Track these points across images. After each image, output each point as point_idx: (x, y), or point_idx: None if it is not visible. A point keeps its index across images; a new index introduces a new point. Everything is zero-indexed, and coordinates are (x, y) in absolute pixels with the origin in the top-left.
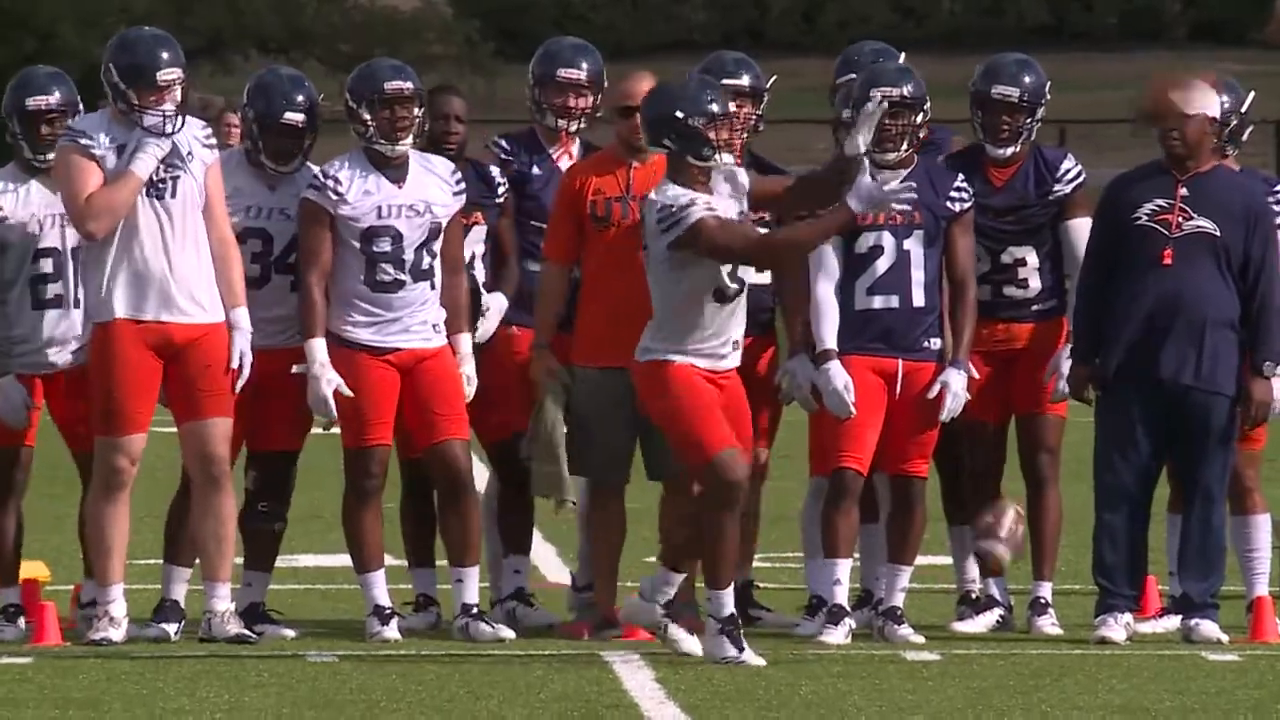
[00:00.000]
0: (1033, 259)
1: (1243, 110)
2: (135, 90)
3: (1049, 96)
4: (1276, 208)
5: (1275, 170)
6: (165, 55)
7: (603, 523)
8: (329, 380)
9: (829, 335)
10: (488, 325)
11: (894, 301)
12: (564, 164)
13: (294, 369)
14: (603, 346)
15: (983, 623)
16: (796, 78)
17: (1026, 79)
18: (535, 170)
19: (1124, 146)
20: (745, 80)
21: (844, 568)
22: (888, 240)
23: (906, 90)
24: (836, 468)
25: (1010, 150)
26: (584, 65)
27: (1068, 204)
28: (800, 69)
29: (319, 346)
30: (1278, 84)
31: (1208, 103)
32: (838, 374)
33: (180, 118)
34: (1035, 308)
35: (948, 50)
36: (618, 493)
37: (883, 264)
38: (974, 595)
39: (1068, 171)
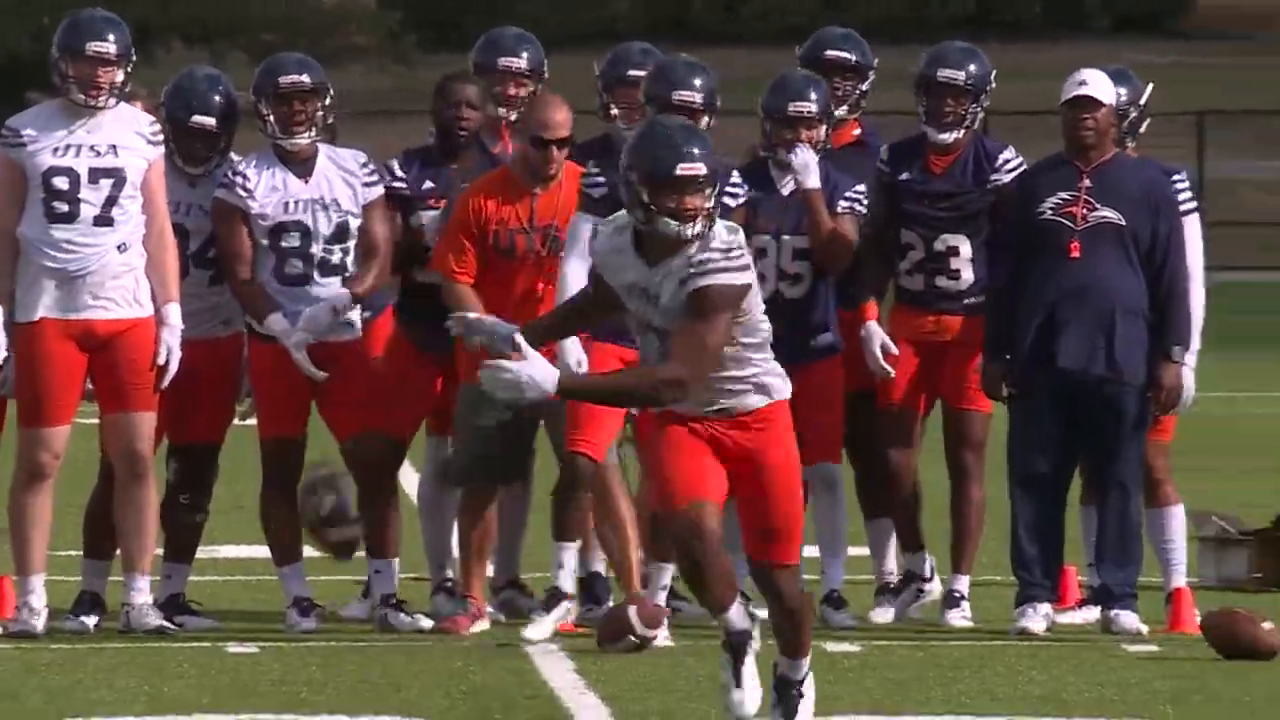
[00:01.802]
0: (966, 249)
1: (1141, 102)
2: (67, 61)
3: (993, 85)
4: (1179, 198)
5: (1196, 161)
6: (101, 31)
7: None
8: (300, 339)
9: None
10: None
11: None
12: (502, 155)
13: (239, 413)
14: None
15: (902, 603)
16: (721, 68)
17: (971, 65)
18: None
19: (1050, 136)
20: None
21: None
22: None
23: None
24: (570, 452)
25: (952, 135)
26: (525, 54)
27: (1005, 194)
28: (726, 59)
29: (278, 320)
30: (1199, 75)
31: (1114, 92)
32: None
33: (113, 100)
34: (966, 300)
35: (872, 41)
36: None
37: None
38: (891, 586)
39: (1007, 162)
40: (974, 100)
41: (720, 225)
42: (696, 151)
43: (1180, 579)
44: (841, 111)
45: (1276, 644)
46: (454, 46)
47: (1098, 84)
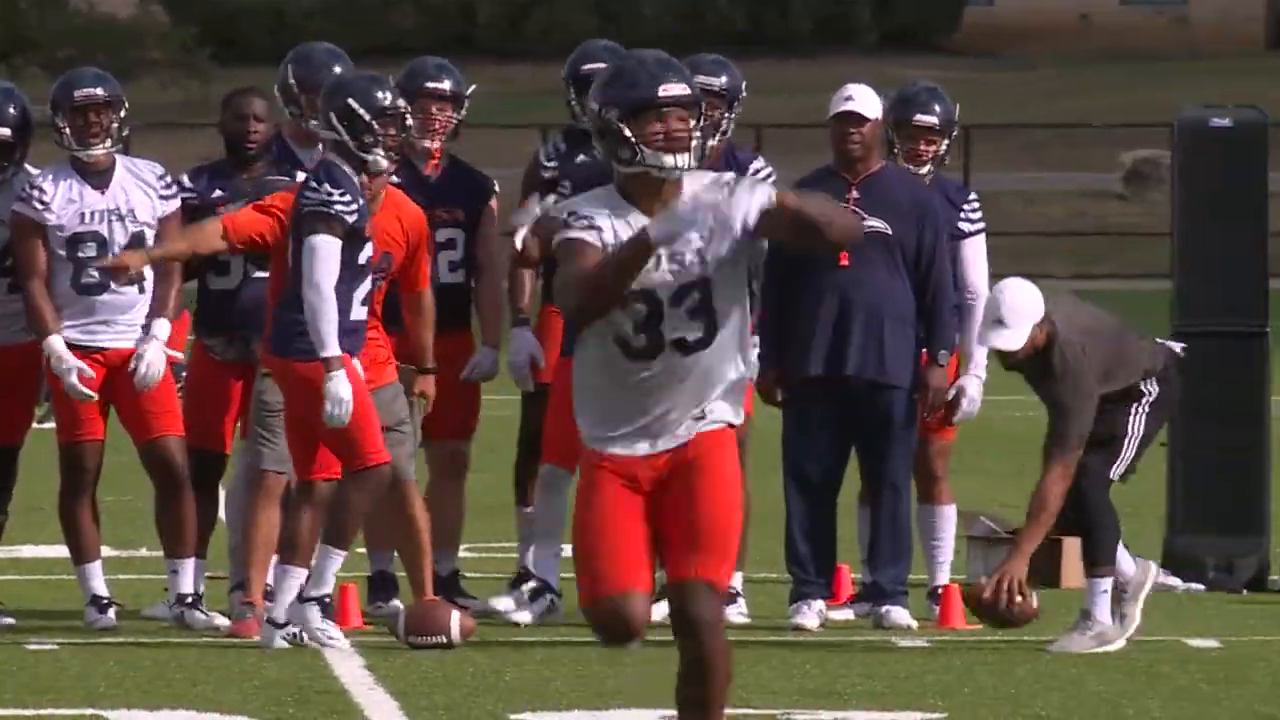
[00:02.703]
0: None
1: (954, 120)
2: None
3: (743, 95)
4: (976, 218)
5: (963, 175)
6: None
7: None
8: (70, 367)
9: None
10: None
11: None
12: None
13: (37, 417)
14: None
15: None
16: (505, 83)
17: (724, 76)
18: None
19: (819, 148)
20: (721, 79)
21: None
22: None
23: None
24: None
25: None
26: (446, 80)
27: None
28: (510, 75)
29: (57, 342)
30: (965, 90)
31: (879, 107)
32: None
33: None
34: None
35: None
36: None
37: None
38: None
39: (758, 171)
40: (728, 108)
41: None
42: (674, 75)
43: (945, 576)
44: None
45: (1035, 613)
46: (244, 61)
47: (864, 100)
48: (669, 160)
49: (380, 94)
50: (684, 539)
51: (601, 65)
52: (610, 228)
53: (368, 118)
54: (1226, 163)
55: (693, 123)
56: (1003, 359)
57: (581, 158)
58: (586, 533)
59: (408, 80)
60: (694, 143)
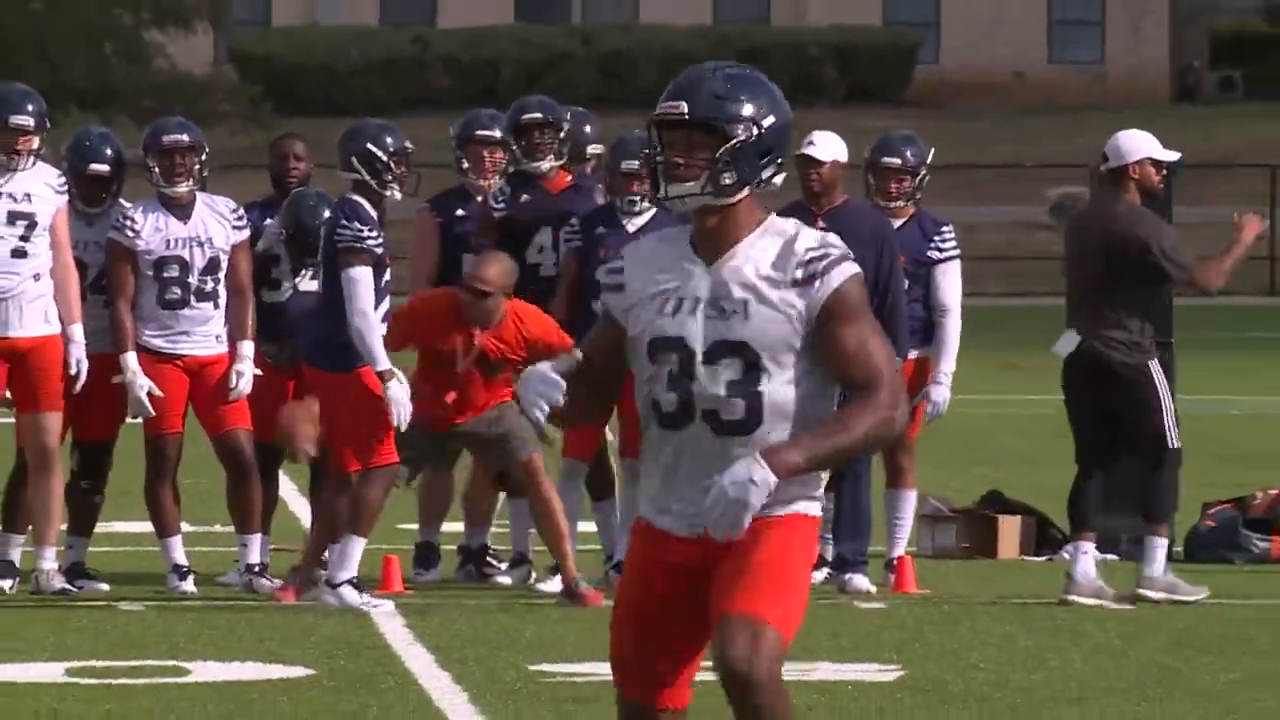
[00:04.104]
0: None
1: (927, 162)
2: None
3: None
4: (947, 247)
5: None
6: (20, 104)
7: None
8: (141, 385)
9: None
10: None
11: None
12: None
13: (114, 379)
14: None
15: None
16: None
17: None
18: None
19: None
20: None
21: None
22: None
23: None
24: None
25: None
26: (496, 129)
27: None
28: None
29: (132, 359)
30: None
31: (840, 150)
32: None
33: (31, 160)
34: None
35: (577, 103)
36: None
37: None
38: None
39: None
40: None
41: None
42: (678, 91)
43: (902, 549)
44: (550, 162)
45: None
46: (301, 112)
47: (823, 144)
48: (662, 190)
49: (390, 139)
50: (727, 575)
51: (537, 115)
52: (641, 280)
53: (384, 158)
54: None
55: (702, 149)
56: None
57: (525, 197)
58: (614, 611)
59: (464, 129)
60: (689, 170)
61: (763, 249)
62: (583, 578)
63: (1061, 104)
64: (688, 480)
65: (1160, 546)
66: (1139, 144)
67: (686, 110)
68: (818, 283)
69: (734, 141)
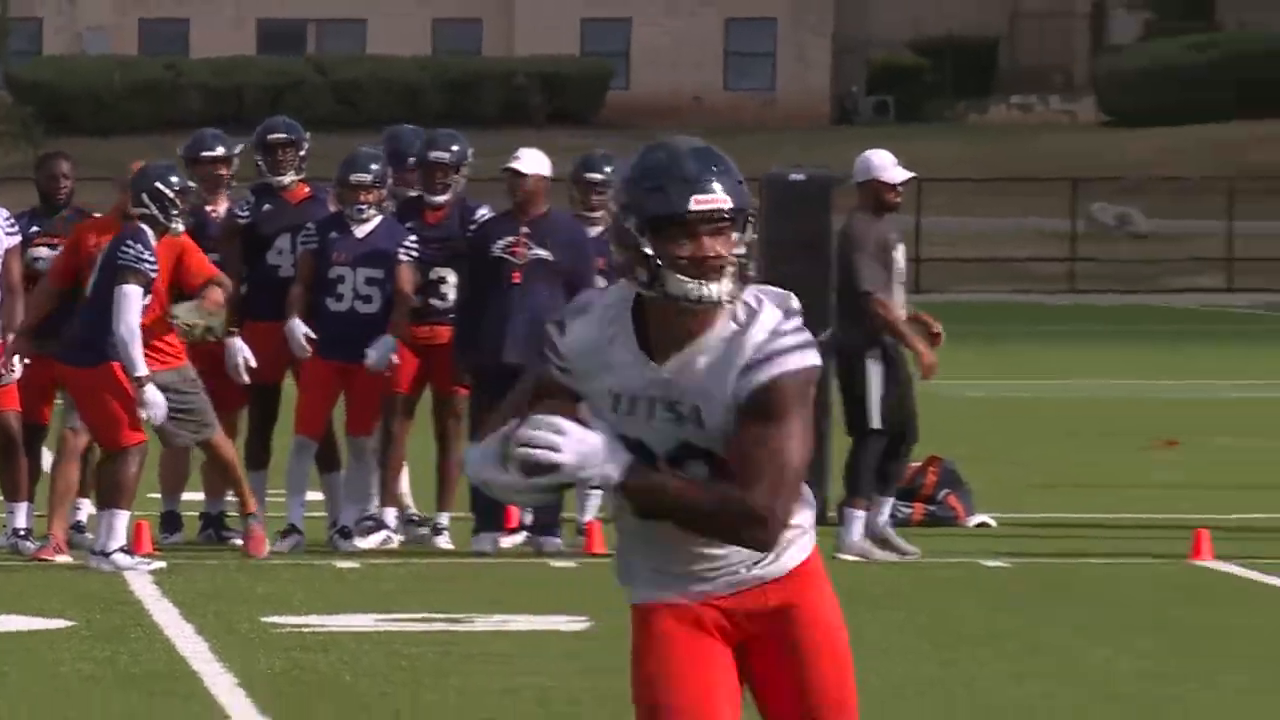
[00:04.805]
0: (451, 278)
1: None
2: None
3: (470, 160)
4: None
5: None
6: None
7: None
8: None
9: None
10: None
11: None
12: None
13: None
14: None
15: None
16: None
17: (455, 146)
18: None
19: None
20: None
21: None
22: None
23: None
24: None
25: (441, 199)
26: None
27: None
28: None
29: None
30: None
31: (544, 165)
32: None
33: None
34: (450, 315)
35: (325, 129)
36: None
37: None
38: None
39: (482, 216)
40: (455, 171)
41: (767, 291)
42: (712, 177)
43: (592, 514)
44: (291, 176)
45: None
46: (72, 132)
47: (527, 160)
48: (694, 289)
49: (175, 178)
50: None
51: (282, 135)
52: (587, 373)
53: (171, 194)
54: (799, 208)
55: (735, 234)
56: None
57: (267, 207)
58: (654, 687)
59: (188, 149)
60: (730, 266)
61: (715, 340)
62: (257, 517)
63: (737, 125)
64: (682, 547)
65: (858, 518)
66: (869, 166)
67: (729, 200)
68: (756, 371)
69: (751, 229)
